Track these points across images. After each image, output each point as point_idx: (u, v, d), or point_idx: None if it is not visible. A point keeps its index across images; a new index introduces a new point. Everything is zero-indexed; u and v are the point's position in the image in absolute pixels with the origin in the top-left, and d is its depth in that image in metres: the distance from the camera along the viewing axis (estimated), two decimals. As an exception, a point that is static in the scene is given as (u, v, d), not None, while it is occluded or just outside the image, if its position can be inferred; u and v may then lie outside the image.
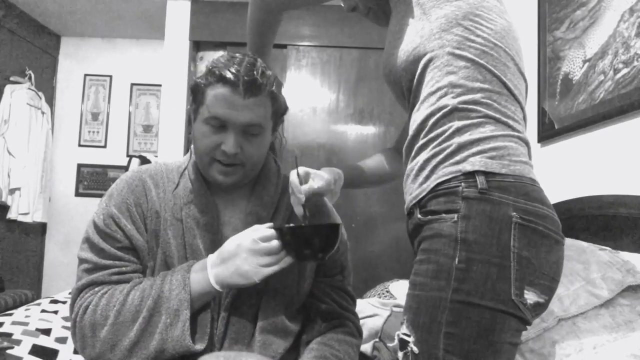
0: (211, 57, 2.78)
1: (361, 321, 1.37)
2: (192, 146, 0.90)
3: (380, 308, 1.54)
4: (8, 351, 1.37)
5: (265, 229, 0.78)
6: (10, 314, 1.65)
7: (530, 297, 0.69)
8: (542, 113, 1.74)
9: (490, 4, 0.81)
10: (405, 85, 0.85)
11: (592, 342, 0.93)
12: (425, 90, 0.80)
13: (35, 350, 1.42)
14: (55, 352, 1.44)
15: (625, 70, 1.28)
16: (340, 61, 2.67)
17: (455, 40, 0.77)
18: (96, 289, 0.80)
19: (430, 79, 0.79)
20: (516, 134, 0.77)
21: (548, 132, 1.70)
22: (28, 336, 1.47)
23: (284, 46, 2.68)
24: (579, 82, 1.51)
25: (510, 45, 0.80)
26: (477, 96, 0.76)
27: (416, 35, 0.81)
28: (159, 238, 0.85)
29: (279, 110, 0.87)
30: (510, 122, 0.77)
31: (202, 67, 2.79)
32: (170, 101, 2.66)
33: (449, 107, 0.76)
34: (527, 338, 0.96)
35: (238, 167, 0.84)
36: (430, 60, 0.79)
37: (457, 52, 0.77)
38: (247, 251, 0.75)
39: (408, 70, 0.82)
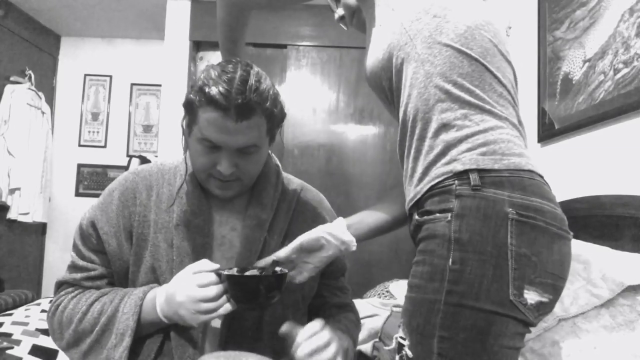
0: (211, 57, 2.79)
1: (361, 321, 1.37)
2: (186, 155, 0.89)
3: (380, 308, 1.54)
4: (8, 351, 1.37)
5: (205, 274, 0.75)
6: (10, 314, 1.66)
7: (532, 296, 0.66)
8: (542, 113, 1.74)
9: None
10: (387, 85, 0.82)
11: (592, 342, 0.93)
12: (405, 85, 0.77)
13: (35, 350, 1.42)
14: (55, 352, 1.45)
15: (625, 70, 1.28)
16: (340, 61, 2.67)
17: (427, 29, 0.75)
18: (69, 289, 0.86)
19: (408, 72, 0.76)
20: (504, 122, 0.74)
21: (548, 132, 1.70)
22: (28, 336, 1.47)
23: (284, 46, 2.68)
24: (579, 82, 1.51)
25: (486, 27, 0.77)
26: (458, 82, 0.73)
27: (388, 32, 0.79)
28: (147, 241, 0.85)
29: (275, 125, 0.84)
30: (497, 108, 0.74)
31: (202, 67, 2.78)
32: (170, 101, 2.66)
33: (431, 100, 0.73)
34: (527, 338, 0.96)
35: (235, 182, 0.84)
36: (406, 54, 0.76)
37: (432, 37, 0.74)
38: (184, 296, 0.73)
39: (386, 68, 0.80)
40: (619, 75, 1.31)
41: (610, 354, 0.89)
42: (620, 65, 1.30)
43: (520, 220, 0.66)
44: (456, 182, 0.70)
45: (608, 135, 1.39)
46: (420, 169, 0.75)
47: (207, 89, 0.74)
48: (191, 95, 0.77)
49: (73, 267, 0.88)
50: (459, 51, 0.73)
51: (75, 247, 0.88)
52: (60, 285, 0.88)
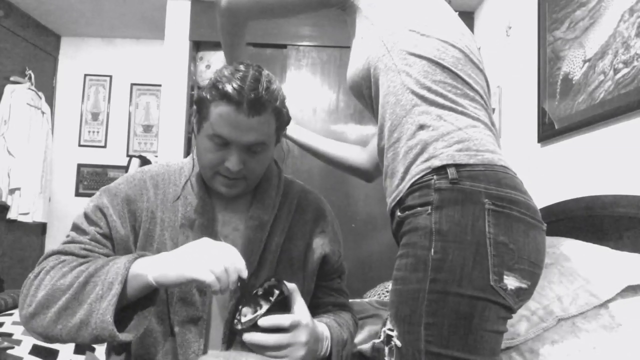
0: (211, 57, 2.79)
1: (361, 321, 1.37)
2: (193, 153, 0.90)
3: (380, 308, 1.54)
4: (8, 351, 1.37)
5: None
6: (10, 314, 1.66)
7: (511, 282, 0.69)
8: (542, 113, 1.74)
9: (432, 4, 0.85)
10: (366, 93, 0.89)
11: (591, 342, 0.93)
12: (383, 93, 0.83)
13: (36, 350, 1.42)
14: (55, 352, 1.45)
15: (625, 70, 1.28)
16: (340, 61, 2.66)
17: (402, 42, 0.81)
18: (62, 257, 0.77)
19: (385, 81, 0.82)
20: (477, 122, 0.79)
21: (548, 132, 1.70)
22: (28, 336, 1.48)
23: (284, 46, 2.68)
24: (579, 82, 1.51)
25: (458, 39, 0.83)
26: (433, 88, 0.78)
27: (368, 44, 0.85)
28: (153, 238, 0.85)
29: (283, 124, 0.86)
30: (470, 110, 0.79)
31: (202, 67, 2.78)
32: (170, 101, 2.66)
33: (407, 105, 0.79)
34: (527, 338, 0.96)
35: (241, 180, 0.85)
36: (384, 64, 0.82)
37: (407, 49, 0.80)
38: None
39: (365, 78, 0.87)
40: (619, 75, 1.31)
41: (610, 354, 0.90)
42: (620, 65, 1.30)
43: (497, 210, 0.71)
44: (435, 177, 0.74)
45: (608, 135, 1.39)
46: (401, 168, 0.79)
47: (220, 85, 0.77)
48: (203, 93, 0.80)
49: (71, 242, 0.81)
50: (432, 61, 0.80)
51: (77, 229, 0.83)
52: (50, 255, 0.79)
